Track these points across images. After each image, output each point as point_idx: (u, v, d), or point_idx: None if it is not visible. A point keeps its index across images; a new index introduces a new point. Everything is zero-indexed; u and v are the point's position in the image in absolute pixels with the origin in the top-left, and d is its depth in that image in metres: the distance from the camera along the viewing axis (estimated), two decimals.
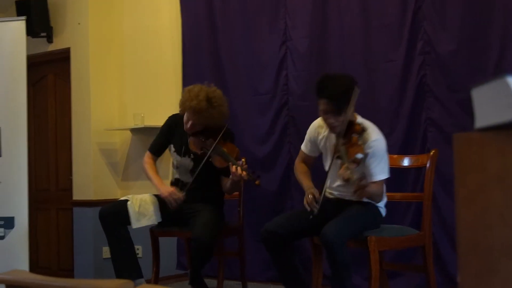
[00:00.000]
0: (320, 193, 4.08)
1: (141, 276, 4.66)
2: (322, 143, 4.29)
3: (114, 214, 4.66)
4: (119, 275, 4.63)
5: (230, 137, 4.79)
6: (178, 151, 4.86)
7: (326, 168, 4.20)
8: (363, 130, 3.95)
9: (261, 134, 5.78)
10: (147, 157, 4.98)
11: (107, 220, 4.65)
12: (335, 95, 3.94)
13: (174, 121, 4.91)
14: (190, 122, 4.67)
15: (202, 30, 6.19)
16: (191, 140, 4.73)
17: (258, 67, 5.82)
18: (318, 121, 4.29)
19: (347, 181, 3.73)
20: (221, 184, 4.82)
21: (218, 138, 4.61)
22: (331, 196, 4.30)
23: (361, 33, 5.25)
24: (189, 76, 6.13)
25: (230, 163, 4.49)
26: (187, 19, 6.30)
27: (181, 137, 4.83)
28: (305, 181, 4.30)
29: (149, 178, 4.91)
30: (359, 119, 4.14)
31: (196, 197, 4.75)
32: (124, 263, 4.65)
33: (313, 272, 4.37)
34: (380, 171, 4.03)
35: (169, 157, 5.19)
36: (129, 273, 4.58)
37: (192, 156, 4.79)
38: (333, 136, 4.12)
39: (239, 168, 4.43)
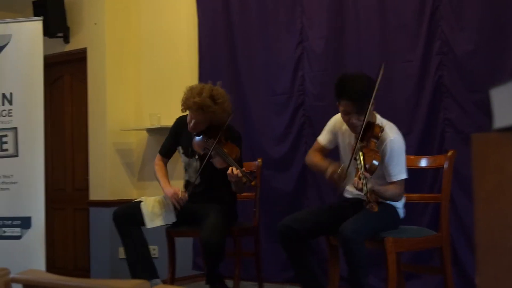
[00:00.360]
0: (343, 168, 4.00)
1: (157, 276, 4.67)
2: (341, 138, 4.29)
3: (128, 215, 4.69)
4: (134, 276, 4.64)
5: (233, 137, 4.78)
6: (185, 153, 4.90)
7: (345, 163, 4.17)
8: (381, 131, 3.95)
9: (277, 134, 5.78)
10: (157, 159, 5.04)
11: (120, 221, 4.68)
12: (356, 95, 3.94)
13: (181, 123, 4.92)
14: (193, 121, 4.68)
15: (218, 29, 6.20)
16: (194, 141, 4.76)
17: (275, 67, 5.82)
18: (340, 116, 4.27)
19: (360, 190, 3.76)
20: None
21: (217, 138, 4.62)
22: (349, 196, 4.31)
23: (378, 33, 5.23)
24: (205, 76, 6.13)
25: (227, 162, 4.51)
26: (203, 18, 6.31)
27: (187, 138, 4.85)
28: (322, 162, 4.21)
29: (157, 180, 4.95)
30: (379, 118, 4.14)
31: (206, 197, 4.78)
32: (139, 263, 4.67)
33: (330, 273, 4.36)
34: (399, 171, 4.02)
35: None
36: (144, 274, 4.59)
37: (197, 156, 4.81)
38: (352, 135, 4.12)
39: (234, 169, 4.43)
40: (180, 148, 4.94)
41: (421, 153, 4.74)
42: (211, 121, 4.67)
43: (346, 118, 4.04)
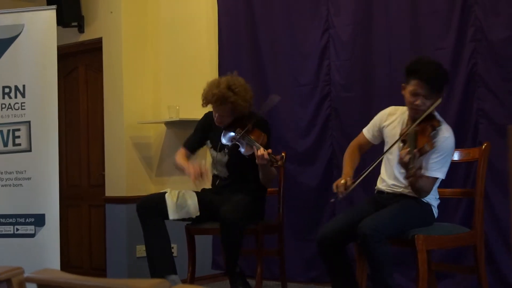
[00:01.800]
0: (354, 182, 4.11)
1: (175, 273, 4.69)
2: (388, 130, 4.30)
3: (152, 205, 4.75)
4: (153, 270, 4.67)
5: (260, 124, 4.83)
6: (214, 147, 4.95)
7: (385, 150, 4.20)
8: (439, 125, 4.03)
9: (302, 127, 5.77)
10: (180, 152, 5.05)
11: (144, 211, 4.73)
12: (431, 78, 3.99)
13: (210, 118, 4.98)
14: (217, 115, 4.79)
15: (239, 18, 6.19)
16: (223, 134, 4.82)
17: (299, 57, 5.80)
18: (390, 109, 4.34)
19: (404, 164, 3.80)
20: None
21: (244, 127, 4.67)
22: (388, 190, 4.27)
23: (408, 19, 5.20)
24: (225, 67, 6.12)
25: (256, 148, 4.57)
26: (223, 6, 6.30)
27: (216, 133, 4.91)
28: (347, 168, 4.31)
29: (177, 167, 4.96)
30: (438, 117, 4.15)
31: (233, 188, 4.82)
32: (159, 255, 4.69)
33: (357, 273, 4.36)
34: (436, 168, 4.01)
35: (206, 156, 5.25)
36: (162, 268, 4.62)
37: (226, 150, 4.85)
38: (403, 125, 4.15)
39: (261, 150, 4.51)
40: (208, 142, 5.01)
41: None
42: (234, 111, 4.74)
43: (413, 99, 4.05)
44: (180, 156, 5.00)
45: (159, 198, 4.76)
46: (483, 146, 4.27)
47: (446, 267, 4.85)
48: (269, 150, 4.54)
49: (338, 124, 5.55)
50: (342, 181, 4.10)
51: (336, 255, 4.18)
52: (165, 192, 4.80)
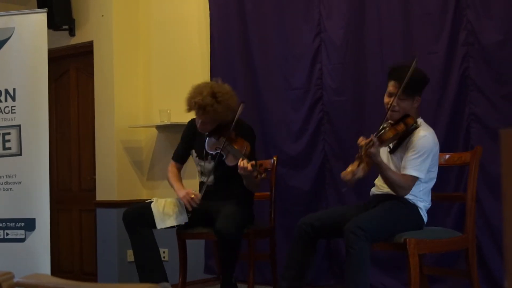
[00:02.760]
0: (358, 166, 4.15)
1: (166, 280, 4.69)
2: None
3: (138, 215, 4.74)
4: (142, 279, 4.66)
5: (244, 132, 4.84)
6: (199, 155, 4.95)
7: None
8: (415, 124, 4.11)
9: (294, 131, 5.77)
10: (171, 166, 5.12)
11: (130, 221, 4.73)
12: (406, 79, 4.05)
13: (192, 126, 4.99)
14: (199, 122, 4.77)
15: (231, 21, 6.19)
16: (206, 142, 4.82)
17: (291, 60, 5.81)
18: None
19: (360, 148, 4.02)
20: None
21: (227, 136, 4.67)
22: (377, 192, 4.33)
23: (400, 23, 5.21)
24: (217, 70, 6.13)
25: (239, 158, 4.55)
26: (215, 8, 6.30)
27: (200, 141, 4.91)
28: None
29: (171, 186, 5.01)
30: (422, 123, 4.20)
31: (221, 195, 4.82)
32: (148, 265, 4.70)
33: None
34: (413, 166, 4.06)
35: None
36: (153, 277, 4.62)
37: (210, 158, 4.87)
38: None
39: (244, 161, 4.47)
40: (193, 151, 5.00)
41: (445, 149, 4.72)
42: (216, 119, 4.72)
43: (388, 100, 4.20)
44: (171, 174, 5.04)
45: (145, 208, 4.76)
46: (475, 150, 4.28)
47: (438, 271, 4.86)
48: (253, 162, 4.49)
49: (330, 128, 5.56)
50: (349, 169, 4.11)
51: (310, 244, 4.28)
52: (151, 202, 4.81)
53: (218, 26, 6.28)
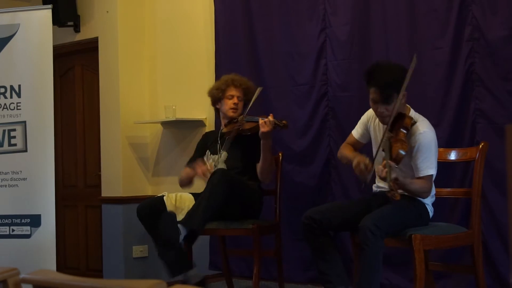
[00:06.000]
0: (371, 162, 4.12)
1: (192, 267, 4.73)
2: (373, 131, 4.41)
3: (152, 208, 4.81)
4: (171, 271, 4.65)
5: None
6: (213, 151, 5.12)
7: (374, 156, 4.23)
8: (413, 124, 3.99)
9: (299, 127, 5.76)
10: (184, 169, 5.20)
11: (145, 216, 4.80)
12: (384, 84, 4.03)
13: (206, 137, 5.35)
14: (235, 98, 5.10)
15: (236, 17, 6.19)
16: (225, 129, 5.02)
17: (296, 56, 5.80)
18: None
19: (384, 179, 3.88)
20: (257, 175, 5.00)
21: (249, 105, 5.01)
22: (378, 190, 4.33)
23: (406, 19, 5.20)
24: (222, 67, 6.13)
25: (259, 119, 4.80)
26: (220, 4, 6.29)
27: (213, 140, 5.18)
28: (350, 153, 4.37)
29: (183, 180, 5.13)
30: (412, 112, 4.17)
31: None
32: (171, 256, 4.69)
33: (354, 271, 4.36)
34: (426, 166, 4.04)
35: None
36: (181, 267, 4.65)
37: (223, 148, 5.04)
38: (383, 126, 4.18)
39: (265, 119, 4.75)
40: (208, 152, 5.17)
41: (451, 145, 4.72)
42: (247, 89, 5.14)
43: (374, 107, 4.17)
44: (184, 171, 5.16)
45: (158, 201, 4.84)
46: (481, 146, 4.28)
47: (444, 267, 4.85)
48: (271, 115, 4.79)
49: (336, 124, 5.55)
50: (362, 166, 4.05)
51: (323, 239, 4.23)
52: (163, 196, 4.88)
53: (223, 22, 6.28)
